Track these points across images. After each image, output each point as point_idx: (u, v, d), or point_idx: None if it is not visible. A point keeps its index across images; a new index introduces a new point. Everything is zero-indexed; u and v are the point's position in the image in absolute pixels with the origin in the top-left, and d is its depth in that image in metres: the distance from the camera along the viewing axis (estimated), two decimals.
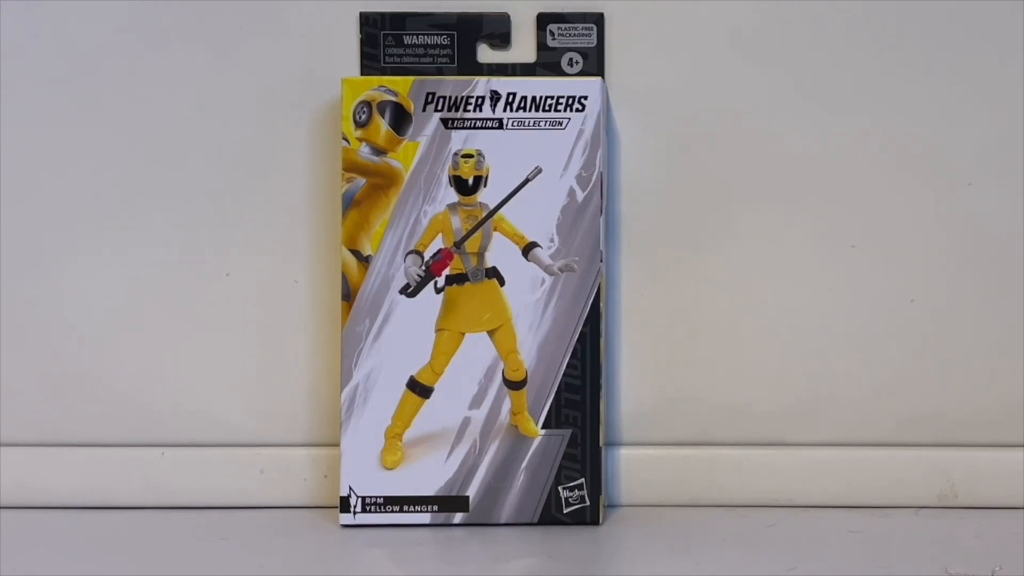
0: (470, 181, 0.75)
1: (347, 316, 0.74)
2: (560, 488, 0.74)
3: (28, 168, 0.79)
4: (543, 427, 0.74)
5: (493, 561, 0.69)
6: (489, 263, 0.75)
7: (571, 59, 0.78)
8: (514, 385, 0.74)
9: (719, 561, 0.68)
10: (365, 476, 0.74)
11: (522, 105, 0.75)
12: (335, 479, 0.77)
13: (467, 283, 0.75)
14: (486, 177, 0.75)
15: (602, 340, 0.75)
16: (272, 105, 0.79)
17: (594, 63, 0.78)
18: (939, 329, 0.79)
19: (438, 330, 0.74)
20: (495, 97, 0.75)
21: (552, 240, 0.74)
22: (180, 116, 0.79)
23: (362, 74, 0.78)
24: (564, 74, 0.78)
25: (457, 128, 0.75)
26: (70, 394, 0.79)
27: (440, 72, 0.77)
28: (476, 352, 0.74)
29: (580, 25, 0.78)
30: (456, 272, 0.75)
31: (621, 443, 0.79)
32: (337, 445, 0.75)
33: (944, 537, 0.72)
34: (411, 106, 0.75)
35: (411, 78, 0.75)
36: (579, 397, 0.74)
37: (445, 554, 0.70)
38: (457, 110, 0.75)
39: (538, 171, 0.74)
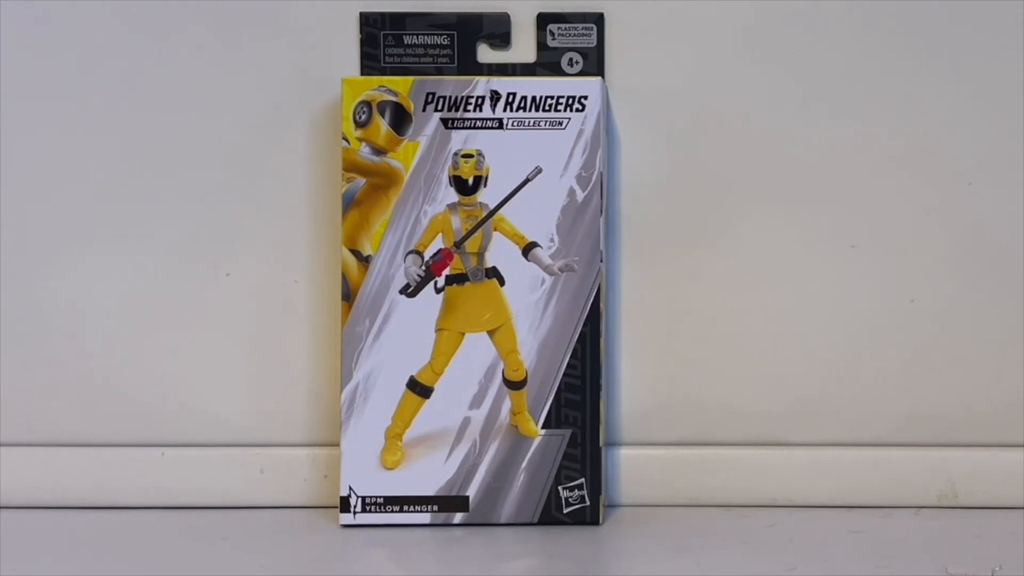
0: (470, 181, 0.75)
1: (347, 316, 0.74)
2: (560, 488, 0.74)
3: (28, 169, 0.79)
4: (543, 427, 0.74)
5: (493, 561, 0.69)
6: (489, 263, 0.75)
7: (571, 59, 0.78)
8: (514, 385, 0.74)
9: (719, 561, 0.68)
10: (365, 476, 0.74)
11: (522, 105, 0.75)
12: (335, 479, 0.77)
13: (467, 283, 0.75)
14: (486, 177, 0.75)
15: (602, 340, 0.75)
16: (272, 105, 0.79)
17: (594, 63, 0.78)
18: (939, 329, 0.79)
19: (438, 330, 0.74)
20: (495, 97, 0.75)
21: (552, 240, 0.74)
22: (180, 116, 0.79)
23: (362, 74, 0.78)
24: (564, 74, 0.78)
25: (457, 128, 0.75)
26: (70, 394, 0.79)
27: (440, 72, 0.77)
28: (476, 352, 0.74)
29: (580, 25, 0.78)
30: (456, 272, 0.75)
31: (621, 443, 0.79)
32: (337, 445, 0.75)
33: (944, 537, 0.72)
34: (411, 106, 0.75)
35: (411, 78, 0.75)
36: (579, 397, 0.74)
37: (445, 554, 0.70)
38: (457, 110, 0.75)
39: (538, 171, 0.74)
